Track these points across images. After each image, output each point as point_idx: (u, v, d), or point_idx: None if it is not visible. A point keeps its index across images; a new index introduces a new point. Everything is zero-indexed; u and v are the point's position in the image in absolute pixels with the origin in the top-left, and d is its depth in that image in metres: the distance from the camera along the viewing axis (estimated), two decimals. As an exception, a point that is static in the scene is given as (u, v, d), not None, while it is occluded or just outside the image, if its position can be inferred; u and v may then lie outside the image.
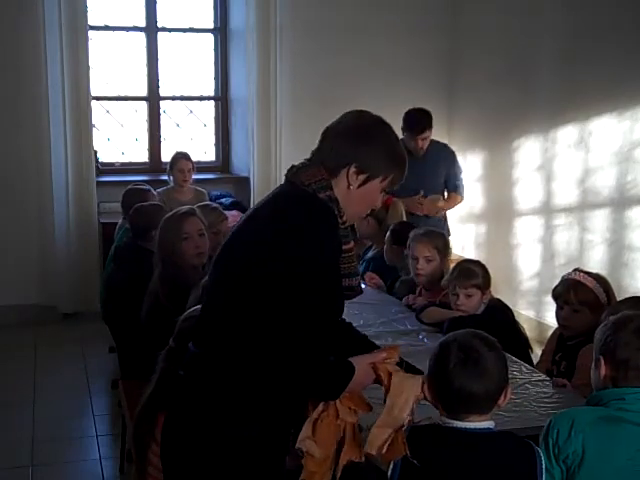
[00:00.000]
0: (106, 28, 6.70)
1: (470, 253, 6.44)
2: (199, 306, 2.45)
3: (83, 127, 6.17)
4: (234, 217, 5.11)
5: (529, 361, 3.39)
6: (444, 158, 5.46)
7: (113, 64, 6.77)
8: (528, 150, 5.98)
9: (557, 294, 3.30)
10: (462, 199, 5.63)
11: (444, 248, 4.06)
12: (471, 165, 6.56)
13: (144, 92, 6.87)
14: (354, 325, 2.48)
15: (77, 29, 6.04)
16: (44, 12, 5.90)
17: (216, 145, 7.14)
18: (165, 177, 6.09)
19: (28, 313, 6.21)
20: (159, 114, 6.92)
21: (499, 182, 6.34)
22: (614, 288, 3.31)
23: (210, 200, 5.92)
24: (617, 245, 5.13)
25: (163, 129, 6.96)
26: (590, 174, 5.33)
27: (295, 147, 6.11)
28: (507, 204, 6.26)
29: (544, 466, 2.15)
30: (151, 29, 6.78)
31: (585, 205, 5.40)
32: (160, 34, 6.81)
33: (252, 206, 2.37)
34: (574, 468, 2.20)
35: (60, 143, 6.12)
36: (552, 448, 2.23)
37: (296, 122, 6.47)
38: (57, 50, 5.97)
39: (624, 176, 5.04)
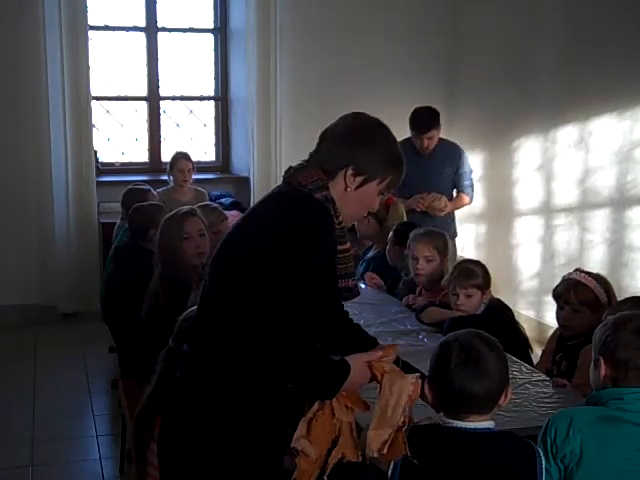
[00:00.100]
0: (106, 28, 6.70)
1: (470, 253, 6.43)
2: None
3: (83, 127, 6.18)
4: (234, 217, 5.10)
5: (529, 361, 3.39)
6: (452, 157, 5.39)
7: (113, 64, 6.77)
8: (528, 150, 5.98)
9: (557, 294, 3.30)
10: (470, 200, 5.53)
11: (444, 248, 4.05)
12: (471, 165, 6.55)
13: (144, 92, 6.87)
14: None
15: (77, 29, 6.04)
16: (44, 12, 5.90)
17: (216, 145, 7.14)
18: (165, 177, 6.09)
19: (28, 313, 6.21)
20: (159, 114, 6.92)
21: (499, 182, 6.34)
22: (614, 288, 3.31)
23: (210, 200, 5.92)
24: (617, 245, 5.13)
25: (163, 129, 6.96)
26: (590, 174, 5.33)
27: (295, 147, 6.11)
28: (507, 204, 6.26)
29: (544, 466, 2.15)
30: (151, 29, 6.78)
31: (585, 205, 5.40)
32: (160, 34, 6.81)
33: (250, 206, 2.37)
34: (572, 467, 2.20)
35: (60, 143, 6.12)
36: (550, 447, 2.23)
37: (296, 122, 6.47)
38: (57, 50, 5.98)
39: (624, 176, 5.04)
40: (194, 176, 6.06)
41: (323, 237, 2.09)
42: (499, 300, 3.75)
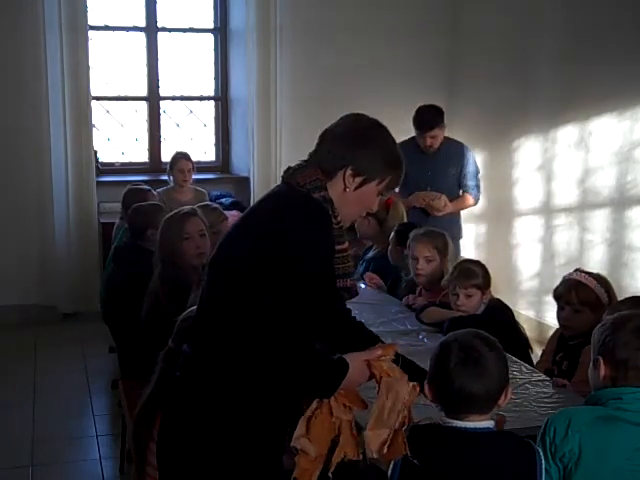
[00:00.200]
0: (106, 28, 6.70)
1: (470, 253, 6.43)
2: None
3: (83, 127, 6.18)
4: (234, 217, 5.09)
5: (529, 361, 3.39)
6: (457, 157, 5.28)
7: (113, 64, 6.77)
8: (528, 150, 5.98)
9: (558, 294, 3.31)
10: (475, 201, 5.38)
11: (444, 248, 4.05)
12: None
13: (144, 92, 6.87)
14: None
15: (77, 29, 6.04)
16: (44, 12, 5.91)
17: (216, 145, 7.14)
18: (165, 177, 6.10)
19: (28, 313, 6.21)
20: (159, 114, 6.92)
21: (499, 182, 6.34)
22: (614, 288, 3.31)
23: (210, 200, 5.92)
24: (617, 245, 5.13)
25: (163, 129, 6.96)
26: (590, 174, 5.33)
27: (295, 147, 6.11)
28: (507, 204, 6.26)
29: (544, 466, 2.15)
30: (151, 29, 6.78)
31: (585, 205, 5.40)
32: (160, 34, 6.81)
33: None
34: (571, 467, 2.20)
35: (60, 143, 6.12)
36: (549, 446, 2.23)
37: (296, 122, 6.47)
38: (57, 50, 5.98)
39: (624, 176, 5.04)
40: (194, 176, 6.06)
41: (321, 237, 2.09)
42: (499, 300, 3.76)
